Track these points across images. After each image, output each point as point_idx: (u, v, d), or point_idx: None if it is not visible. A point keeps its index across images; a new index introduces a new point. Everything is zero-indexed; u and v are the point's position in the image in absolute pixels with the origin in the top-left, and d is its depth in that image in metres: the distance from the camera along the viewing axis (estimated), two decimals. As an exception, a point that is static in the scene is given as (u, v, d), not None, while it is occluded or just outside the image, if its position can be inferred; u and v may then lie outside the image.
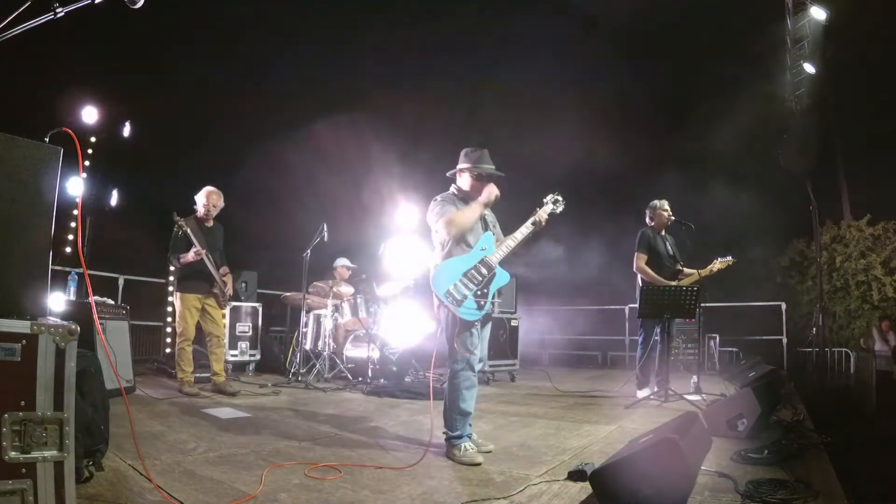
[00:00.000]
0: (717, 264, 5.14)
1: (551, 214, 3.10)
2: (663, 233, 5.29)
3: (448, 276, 2.85)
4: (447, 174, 3.18)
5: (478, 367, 2.95)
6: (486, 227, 3.09)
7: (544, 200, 3.14)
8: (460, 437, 2.78)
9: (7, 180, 1.60)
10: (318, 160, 9.51)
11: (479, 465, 2.62)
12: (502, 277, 2.94)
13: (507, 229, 3.17)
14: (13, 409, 1.45)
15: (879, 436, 3.68)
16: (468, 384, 2.86)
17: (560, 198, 3.15)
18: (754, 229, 11.08)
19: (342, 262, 7.02)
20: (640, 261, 5.14)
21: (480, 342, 2.98)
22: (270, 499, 2.06)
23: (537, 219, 3.03)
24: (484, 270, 2.88)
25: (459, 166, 3.09)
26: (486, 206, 2.97)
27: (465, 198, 3.06)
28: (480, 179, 3.04)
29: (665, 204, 5.26)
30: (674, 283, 4.98)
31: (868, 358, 6.10)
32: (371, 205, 8.35)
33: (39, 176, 1.65)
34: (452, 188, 3.13)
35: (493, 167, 3.07)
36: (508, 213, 3.29)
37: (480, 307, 2.84)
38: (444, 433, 2.84)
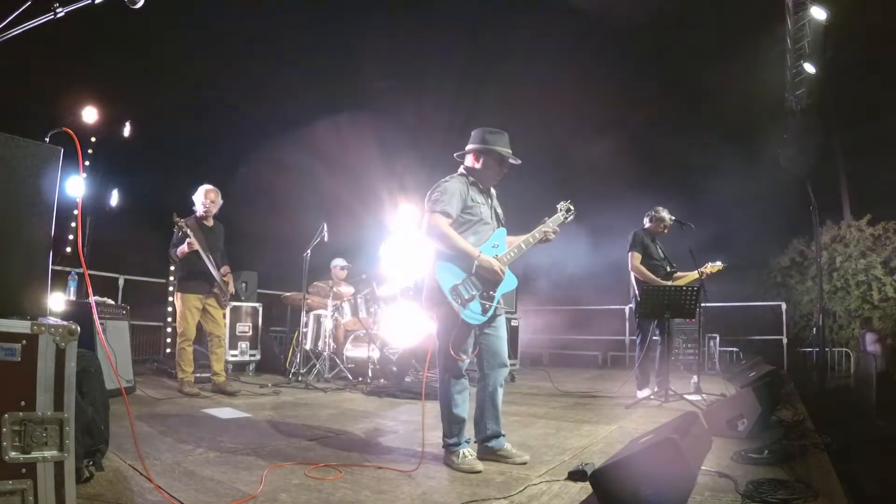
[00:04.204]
0: (708, 268, 5.17)
1: (562, 224, 2.97)
2: (655, 238, 5.33)
3: (456, 272, 2.65)
4: (455, 155, 2.93)
5: (502, 370, 2.81)
6: (499, 222, 2.91)
7: (557, 207, 3.01)
8: (457, 444, 2.64)
9: (7, 180, 1.60)
10: (319, 160, 9.52)
11: (479, 472, 2.50)
12: (511, 281, 2.76)
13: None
14: (13, 409, 1.44)
15: (879, 436, 3.68)
16: (459, 388, 2.71)
17: (572, 207, 3.01)
18: (754, 229, 11.08)
19: (338, 262, 7.02)
20: (635, 260, 5.16)
21: (499, 342, 2.80)
22: (270, 499, 2.06)
23: (549, 229, 2.89)
24: None
25: (476, 146, 2.82)
26: (477, 264, 2.63)
27: (479, 179, 2.83)
28: (501, 163, 2.82)
29: (666, 214, 5.27)
30: (670, 283, 5.00)
31: (868, 358, 6.10)
32: (371, 205, 8.35)
33: (39, 176, 1.65)
34: (461, 169, 2.88)
35: (511, 151, 2.83)
36: (506, 209, 3.14)
37: (485, 311, 2.66)
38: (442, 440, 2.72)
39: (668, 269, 5.22)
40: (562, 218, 2.99)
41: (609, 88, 11.21)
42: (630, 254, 5.20)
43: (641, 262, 5.15)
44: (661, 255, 5.30)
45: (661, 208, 5.32)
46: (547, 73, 11.55)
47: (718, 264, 5.20)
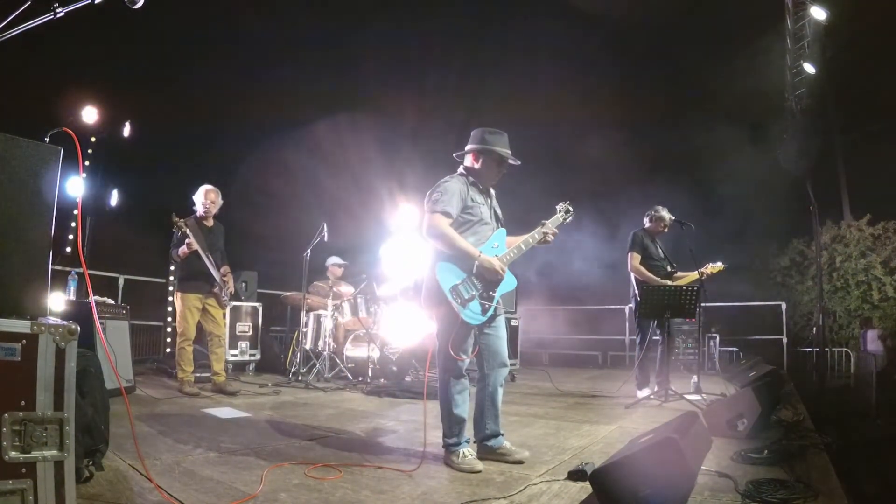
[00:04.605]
0: (709, 269, 5.16)
1: (560, 225, 2.99)
2: (655, 238, 5.33)
3: (456, 272, 2.64)
4: (454, 155, 2.94)
5: (506, 370, 2.82)
6: (498, 223, 2.91)
7: (556, 208, 3.02)
8: (457, 444, 2.64)
9: (7, 180, 1.60)
10: (319, 160, 9.53)
11: (479, 472, 2.51)
12: (510, 282, 2.75)
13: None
14: (13, 408, 1.45)
15: (879, 436, 3.68)
16: (459, 388, 2.71)
17: (571, 208, 3.03)
18: (754, 229, 11.09)
19: (333, 260, 7.03)
20: (634, 260, 5.16)
21: (499, 342, 2.80)
22: (270, 499, 2.06)
23: (548, 230, 2.90)
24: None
25: (475, 146, 2.83)
26: (478, 264, 2.63)
27: (478, 179, 2.84)
28: (500, 163, 2.82)
29: (666, 213, 5.26)
30: (670, 283, 5.00)
31: (868, 358, 6.11)
32: (371, 205, 8.36)
33: (39, 176, 1.65)
34: (461, 169, 2.89)
35: (510, 152, 2.84)
36: (506, 209, 3.14)
37: (485, 311, 2.65)
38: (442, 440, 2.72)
39: (669, 269, 5.22)
40: (561, 219, 3.01)
41: (609, 89, 11.22)
42: (629, 254, 5.20)
43: (641, 263, 5.15)
44: (662, 255, 5.29)
45: (660, 208, 5.31)
46: (547, 72, 11.56)
47: (719, 265, 5.19)
